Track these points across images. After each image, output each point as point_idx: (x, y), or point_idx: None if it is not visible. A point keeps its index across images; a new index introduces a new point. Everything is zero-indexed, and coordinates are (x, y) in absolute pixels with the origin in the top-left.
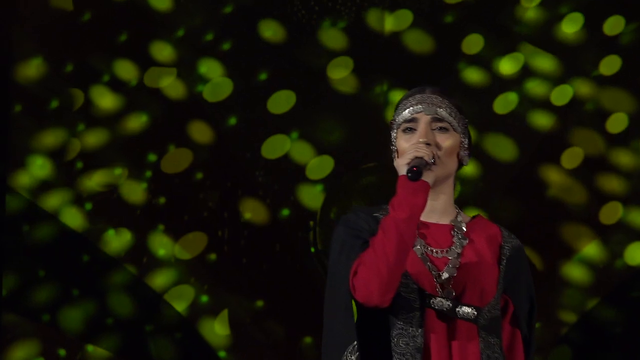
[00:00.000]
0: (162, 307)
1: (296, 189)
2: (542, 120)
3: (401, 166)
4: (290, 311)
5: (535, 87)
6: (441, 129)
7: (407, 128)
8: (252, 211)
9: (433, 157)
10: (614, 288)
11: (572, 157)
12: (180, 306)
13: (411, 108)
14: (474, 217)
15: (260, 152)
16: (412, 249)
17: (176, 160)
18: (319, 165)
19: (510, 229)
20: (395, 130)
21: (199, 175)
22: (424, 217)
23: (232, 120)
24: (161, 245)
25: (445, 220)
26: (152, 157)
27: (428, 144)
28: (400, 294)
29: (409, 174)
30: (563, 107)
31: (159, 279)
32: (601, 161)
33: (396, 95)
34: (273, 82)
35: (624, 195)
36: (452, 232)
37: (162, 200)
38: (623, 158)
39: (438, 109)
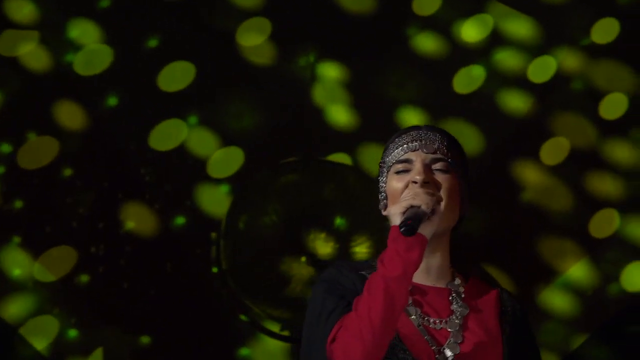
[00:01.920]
0: (16, 345)
1: (194, 190)
2: (516, 101)
3: (394, 215)
4: (186, 350)
5: (507, 59)
6: (442, 170)
7: (400, 170)
8: (137, 219)
9: (433, 207)
10: (607, 321)
11: (554, 150)
12: (40, 343)
13: (405, 146)
14: (467, 277)
15: (147, 143)
16: (402, 313)
17: (37, 152)
18: (225, 160)
19: (475, 243)
20: (385, 174)
21: (67, 172)
22: (417, 279)
23: (112, 100)
24: (16, 263)
25: (441, 283)
26: (5, 148)
27: (426, 182)
28: None
29: (403, 228)
30: (543, 85)
31: (13, 308)
32: (592, 156)
33: (326, 69)
34: (166, 50)
35: (620, 200)
36: (450, 299)
37: (17, 204)
38: (620, 152)
39: (439, 145)
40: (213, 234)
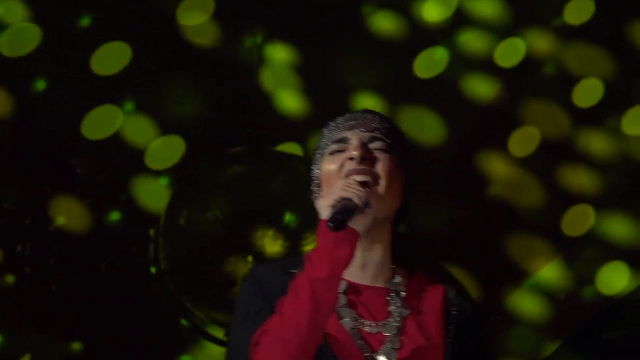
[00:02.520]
0: None
1: (131, 183)
2: (481, 87)
3: (323, 208)
4: (121, 357)
5: (472, 41)
6: (381, 150)
7: (335, 150)
8: (67, 215)
9: (366, 199)
10: (581, 327)
11: (524, 141)
12: None
13: (341, 125)
14: (410, 272)
15: (79, 130)
16: (331, 315)
17: None
18: (164, 150)
19: (437, 242)
20: (319, 160)
21: None
22: (352, 277)
23: (40, 85)
24: None
25: (380, 282)
26: None
27: (364, 159)
28: None
29: (330, 223)
30: (511, 70)
31: None
32: (565, 146)
33: (274, 51)
34: (100, 29)
35: (596, 195)
36: (388, 298)
37: None
38: (595, 142)
39: (378, 125)
40: (151, 231)
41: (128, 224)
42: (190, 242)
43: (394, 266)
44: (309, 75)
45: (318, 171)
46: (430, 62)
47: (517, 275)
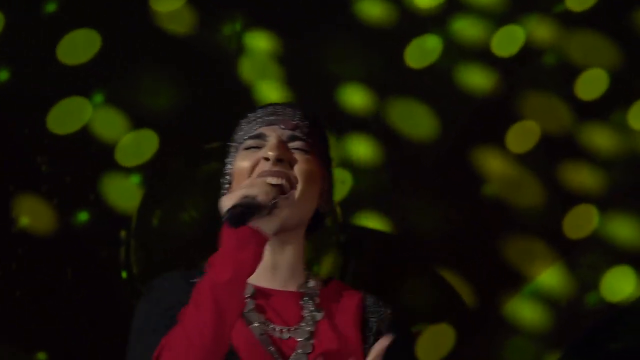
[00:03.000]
0: None
1: (100, 181)
2: (477, 78)
3: (225, 207)
4: None
5: (467, 29)
6: (301, 150)
7: (250, 146)
8: (32, 216)
9: (274, 199)
10: (583, 337)
11: (522, 136)
12: None
13: (260, 119)
14: (327, 281)
15: (45, 125)
16: (238, 321)
17: None
18: (136, 145)
19: (428, 245)
20: (233, 155)
21: None
22: (262, 282)
23: (2, 75)
24: None
25: (292, 286)
26: None
27: (280, 160)
28: None
29: (227, 218)
30: (510, 60)
31: None
32: (567, 142)
33: (255, 39)
34: (66, 16)
35: (600, 194)
36: (301, 303)
37: None
38: (599, 138)
39: (299, 123)
40: (122, 233)
41: (97, 225)
42: (164, 244)
43: (308, 271)
44: (291, 65)
45: (230, 167)
46: (422, 51)
47: (515, 281)
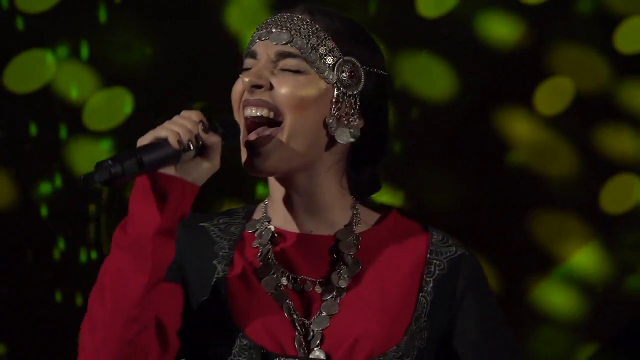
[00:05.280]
0: None
1: (65, 147)
2: (501, 29)
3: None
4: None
5: None
6: (289, 71)
7: (246, 68)
8: None
9: (198, 139)
10: (622, 327)
11: (554, 95)
12: None
13: (255, 33)
14: (383, 216)
15: (2, 82)
16: (146, 283)
17: None
18: (107, 106)
19: (447, 223)
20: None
21: None
22: (287, 225)
23: None
24: None
25: (326, 229)
26: None
27: (256, 87)
28: (212, 352)
29: (85, 176)
30: (539, 7)
31: None
32: (604, 102)
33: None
34: None
35: None
36: (333, 252)
37: None
38: None
39: (297, 32)
40: (91, 207)
41: (62, 198)
42: None
43: (356, 210)
44: None
45: None
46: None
47: (544, 263)
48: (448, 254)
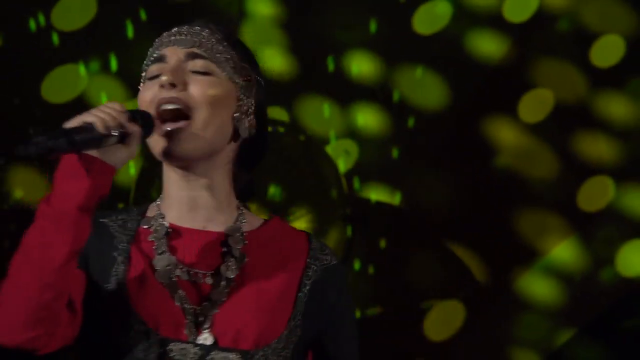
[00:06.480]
0: None
1: None
2: (488, 45)
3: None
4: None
5: None
6: (199, 72)
7: (153, 76)
8: (25, 188)
9: (122, 127)
10: (598, 313)
11: (535, 105)
12: None
13: (162, 40)
14: (266, 221)
15: (39, 94)
16: (63, 259)
17: None
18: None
19: (440, 221)
20: (141, 86)
21: None
22: (180, 220)
23: None
24: None
25: (216, 226)
26: None
27: (173, 85)
28: (111, 336)
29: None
30: (522, 26)
31: None
32: (581, 111)
33: (256, 4)
34: None
35: (616, 165)
36: (223, 246)
37: None
38: (615, 106)
39: (203, 40)
40: (120, 206)
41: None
42: None
43: (242, 211)
44: (295, 31)
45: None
46: (431, 17)
47: (527, 255)
48: (325, 262)
